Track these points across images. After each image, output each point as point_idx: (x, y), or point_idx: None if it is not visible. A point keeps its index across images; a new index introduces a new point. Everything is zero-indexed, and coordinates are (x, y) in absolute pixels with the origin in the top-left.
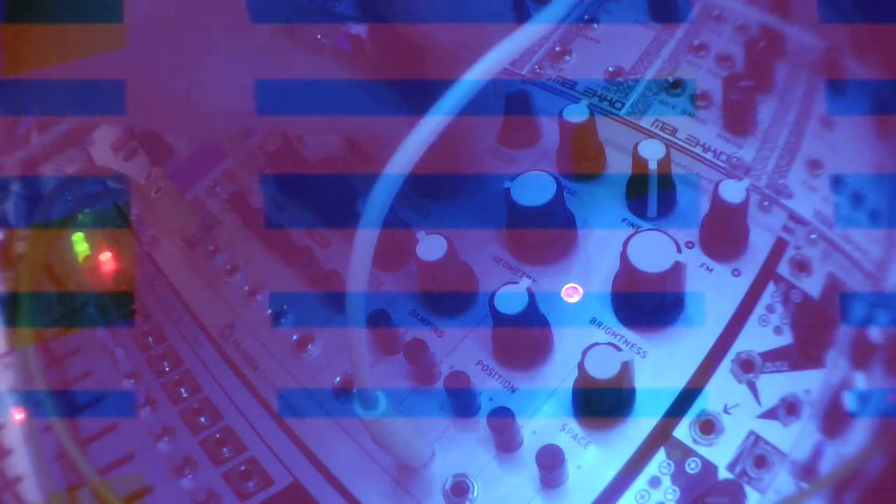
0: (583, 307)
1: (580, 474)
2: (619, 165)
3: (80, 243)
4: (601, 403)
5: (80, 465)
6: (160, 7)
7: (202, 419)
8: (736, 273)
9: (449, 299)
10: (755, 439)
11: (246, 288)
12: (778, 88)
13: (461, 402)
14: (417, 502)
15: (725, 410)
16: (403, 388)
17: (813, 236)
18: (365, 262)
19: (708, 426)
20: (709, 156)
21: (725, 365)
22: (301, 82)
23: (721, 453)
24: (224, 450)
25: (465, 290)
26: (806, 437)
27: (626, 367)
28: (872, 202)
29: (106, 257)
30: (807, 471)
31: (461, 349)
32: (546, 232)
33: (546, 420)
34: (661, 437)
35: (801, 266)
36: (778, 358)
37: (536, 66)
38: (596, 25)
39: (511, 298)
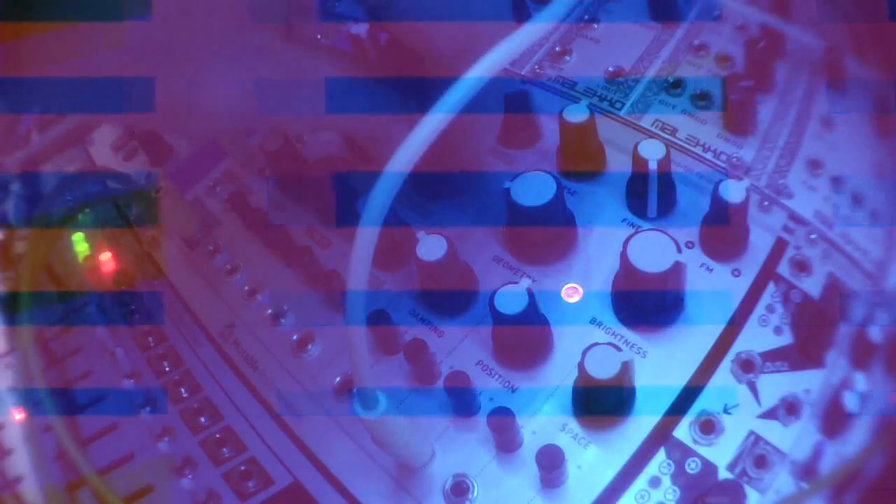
0: (583, 307)
1: (580, 474)
2: (619, 165)
3: (80, 243)
4: (601, 403)
5: (80, 465)
6: (161, 7)
7: (202, 419)
8: (736, 273)
9: (449, 299)
10: (755, 439)
11: (246, 288)
12: (778, 88)
13: (461, 401)
14: (417, 502)
15: (725, 410)
16: (403, 387)
17: (813, 236)
18: (365, 262)
19: (708, 426)
20: (709, 156)
21: (725, 365)
22: (301, 82)
23: (721, 453)
24: (224, 450)
25: (465, 289)
26: (806, 437)
27: (626, 367)
28: (872, 202)
29: (106, 257)
30: (807, 471)
31: (461, 349)
32: (546, 232)
33: (546, 420)
34: (661, 437)
35: (801, 266)
36: (778, 358)
37: (536, 66)
38: (596, 25)
39: (511, 298)
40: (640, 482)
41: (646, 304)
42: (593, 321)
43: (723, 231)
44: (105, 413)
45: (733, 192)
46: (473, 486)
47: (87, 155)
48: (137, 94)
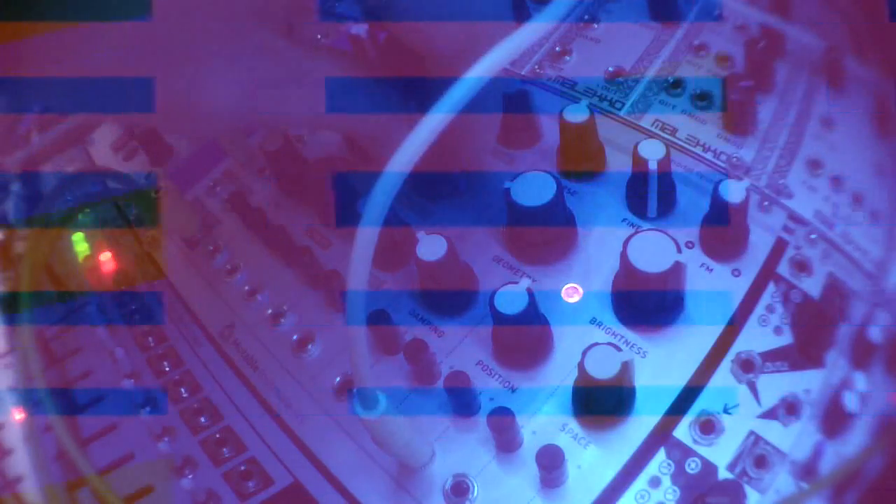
0: (583, 307)
1: (580, 474)
2: (619, 165)
3: (80, 243)
4: (601, 403)
5: (80, 465)
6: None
7: (202, 419)
8: (736, 273)
9: (449, 299)
10: (755, 439)
11: (246, 288)
12: (778, 88)
13: (461, 401)
14: (417, 502)
15: (725, 410)
16: (403, 387)
17: (813, 236)
18: (365, 262)
19: (708, 426)
20: (709, 156)
21: (725, 365)
22: (301, 82)
23: (721, 453)
24: (224, 450)
25: (465, 289)
26: (806, 437)
27: (626, 367)
28: (872, 202)
29: (106, 257)
30: (807, 471)
31: (461, 349)
32: (546, 232)
33: (546, 420)
34: (661, 437)
35: (801, 266)
36: (778, 358)
37: (536, 66)
38: (596, 25)
39: (511, 298)
40: (640, 482)
41: (646, 304)
42: (593, 321)
43: (723, 231)
44: (105, 413)
45: (733, 192)
46: (473, 486)
47: (87, 155)
48: (137, 94)
